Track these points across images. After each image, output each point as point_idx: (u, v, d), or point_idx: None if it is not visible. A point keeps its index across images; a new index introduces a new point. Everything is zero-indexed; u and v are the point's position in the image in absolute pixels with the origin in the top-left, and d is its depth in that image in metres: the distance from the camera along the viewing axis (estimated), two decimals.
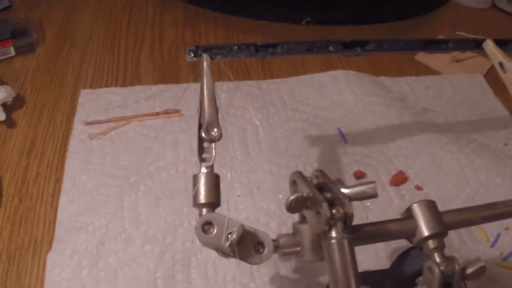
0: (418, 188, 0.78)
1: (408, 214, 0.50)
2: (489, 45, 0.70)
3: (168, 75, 0.96)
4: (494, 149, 0.88)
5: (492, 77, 1.07)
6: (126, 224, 0.70)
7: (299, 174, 0.47)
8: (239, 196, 0.74)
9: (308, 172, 0.73)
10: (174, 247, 0.67)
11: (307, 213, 0.46)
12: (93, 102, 0.89)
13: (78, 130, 0.83)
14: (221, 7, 1.16)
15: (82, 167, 0.78)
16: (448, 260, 0.47)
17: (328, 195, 0.45)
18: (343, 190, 0.46)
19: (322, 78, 0.96)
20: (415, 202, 0.50)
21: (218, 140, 0.51)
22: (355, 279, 0.42)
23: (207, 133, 0.51)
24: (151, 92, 0.91)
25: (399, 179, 0.78)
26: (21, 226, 0.71)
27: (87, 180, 0.76)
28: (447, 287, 0.47)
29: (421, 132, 0.87)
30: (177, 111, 0.86)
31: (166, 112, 0.85)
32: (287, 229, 0.69)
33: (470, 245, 0.73)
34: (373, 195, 0.46)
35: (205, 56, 0.60)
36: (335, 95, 0.93)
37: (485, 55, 1.01)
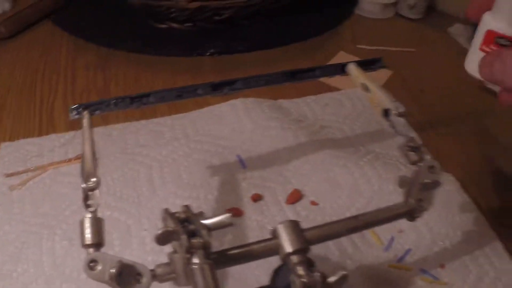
0: (314, 203, 0.84)
1: (273, 234, 0.56)
2: (352, 69, 0.77)
3: (80, 121, 1.00)
4: (390, 157, 0.94)
5: (392, 86, 1.14)
6: (46, 267, 0.75)
7: (167, 211, 0.53)
8: (145, 230, 0.79)
9: (209, 200, 0.80)
10: (89, 283, 0.72)
11: (175, 245, 0.52)
12: (12, 155, 0.94)
13: (0, 183, 0.88)
14: (131, 47, 1.22)
15: (5, 218, 0.83)
16: (311, 272, 0.53)
17: (192, 227, 0.52)
18: (204, 222, 0.52)
19: (222, 108, 1.02)
20: (280, 223, 0.56)
21: (96, 188, 0.58)
22: None
23: (86, 184, 0.57)
24: (64, 140, 0.96)
25: (294, 197, 0.84)
26: None
27: (10, 230, 0.81)
28: None
29: (317, 150, 0.93)
30: None
31: (77, 158, 0.91)
32: None
33: (364, 250, 0.78)
34: (229, 224, 0.53)
35: (85, 113, 0.67)
36: (234, 124, 0.98)
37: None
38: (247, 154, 0.93)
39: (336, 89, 1.13)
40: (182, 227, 0.52)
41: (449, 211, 0.85)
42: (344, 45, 1.30)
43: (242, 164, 0.91)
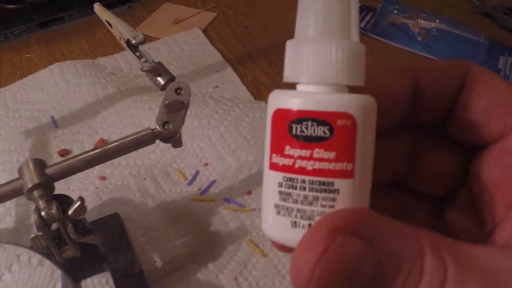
0: None
1: (19, 174, 0.59)
2: (97, 8, 0.78)
3: None
4: (203, 93, 0.98)
5: (214, 28, 1.19)
6: None
7: None
8: None
9: (21, 162, 0.80)
10: None
11: None
12: None
13: None
14: None
15: None
16: (50, 205, 0.55)
17: None
18: None
19: (40, 75, 1.04)
20: (23, 162, 0.59)
21: None
22: None
23: None
24: None
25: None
26: None
27: None
28: (56, 230, 0.56)
29: (124, 99, 0.96)
30: None
31: None
32: None
33: (167, 188, 0.80)
34: None
35: None
36: (50, 87, 1.00)
37: (208, 10, 1.13)
38: (60, 114, 0.95)
39: (156, 39, 1.16)
40: None
41: (258, 138, 0.88)
42: None
43: (54, 124, 0.93)
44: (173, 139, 0.67)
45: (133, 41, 0.70)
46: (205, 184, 0.81)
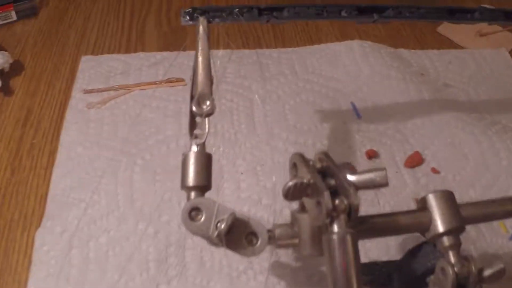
0: (435, 171, 0.74)
1: (423, 205, 0.46)
2: None
3: (174, 42, 0.92)
4: None
5: None
6: (120, 200, 0.67)
7: (300, 156, 0.42)
8: (242, 173, 0.70)
9: (317, 148, 0.69)
10: (169, 227, 0.64)
11: (307, 202, 0.41)
12: (94, 70, 0.86)
13: (76, 98, 0.81)
14: None
15: (78, 138, 0.75)
16: (464, 260, 0.43)
17: (332, 182, 0.41)
18: (349, 177, 0.41)
19: (336, 48, 0.93)
20: (431, 192, 0.46)
21: (211, 114, 0.47)
22: (357, 280, 0.38)
23: (198, 107, 0.46)
24: (155, 60, 0.87)
25: (414, 161, 0.74)
26: (11, 200, 0.69)
27: (82, 152, 0.73)
28: None
29: (441, 110, 0.83)
30: (180, 80, 0.82)
31: (169, 81, 0.82)
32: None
33: (488, 237, 0.69)
34: (383, 184, 0.41)
35: (201, 19, 0.56)
36: (350, 67, 0.89)
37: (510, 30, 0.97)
38: (363, 103, 0.83)
39: (459, 46, 1.02)
40: (324, 182, 0.40)
41: None
42: (465, 0, 1.15)
43: (357, 113, 0.81)
44: None
45: None
46: None
